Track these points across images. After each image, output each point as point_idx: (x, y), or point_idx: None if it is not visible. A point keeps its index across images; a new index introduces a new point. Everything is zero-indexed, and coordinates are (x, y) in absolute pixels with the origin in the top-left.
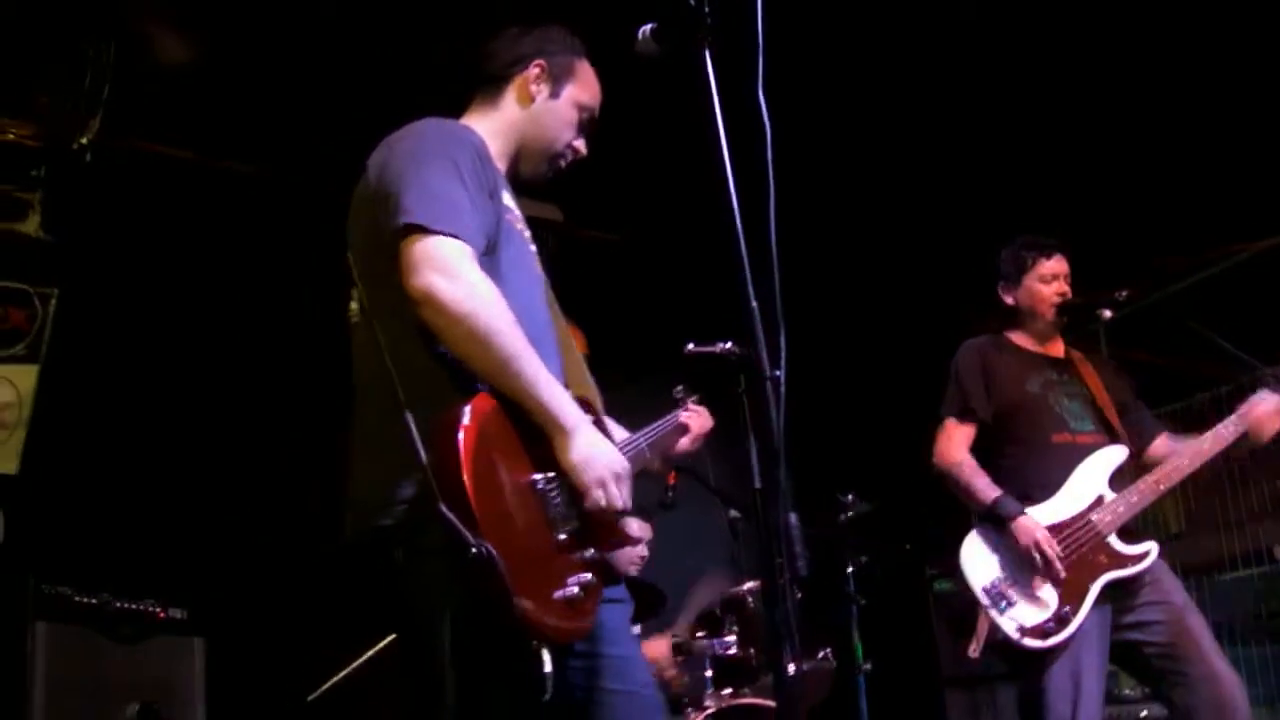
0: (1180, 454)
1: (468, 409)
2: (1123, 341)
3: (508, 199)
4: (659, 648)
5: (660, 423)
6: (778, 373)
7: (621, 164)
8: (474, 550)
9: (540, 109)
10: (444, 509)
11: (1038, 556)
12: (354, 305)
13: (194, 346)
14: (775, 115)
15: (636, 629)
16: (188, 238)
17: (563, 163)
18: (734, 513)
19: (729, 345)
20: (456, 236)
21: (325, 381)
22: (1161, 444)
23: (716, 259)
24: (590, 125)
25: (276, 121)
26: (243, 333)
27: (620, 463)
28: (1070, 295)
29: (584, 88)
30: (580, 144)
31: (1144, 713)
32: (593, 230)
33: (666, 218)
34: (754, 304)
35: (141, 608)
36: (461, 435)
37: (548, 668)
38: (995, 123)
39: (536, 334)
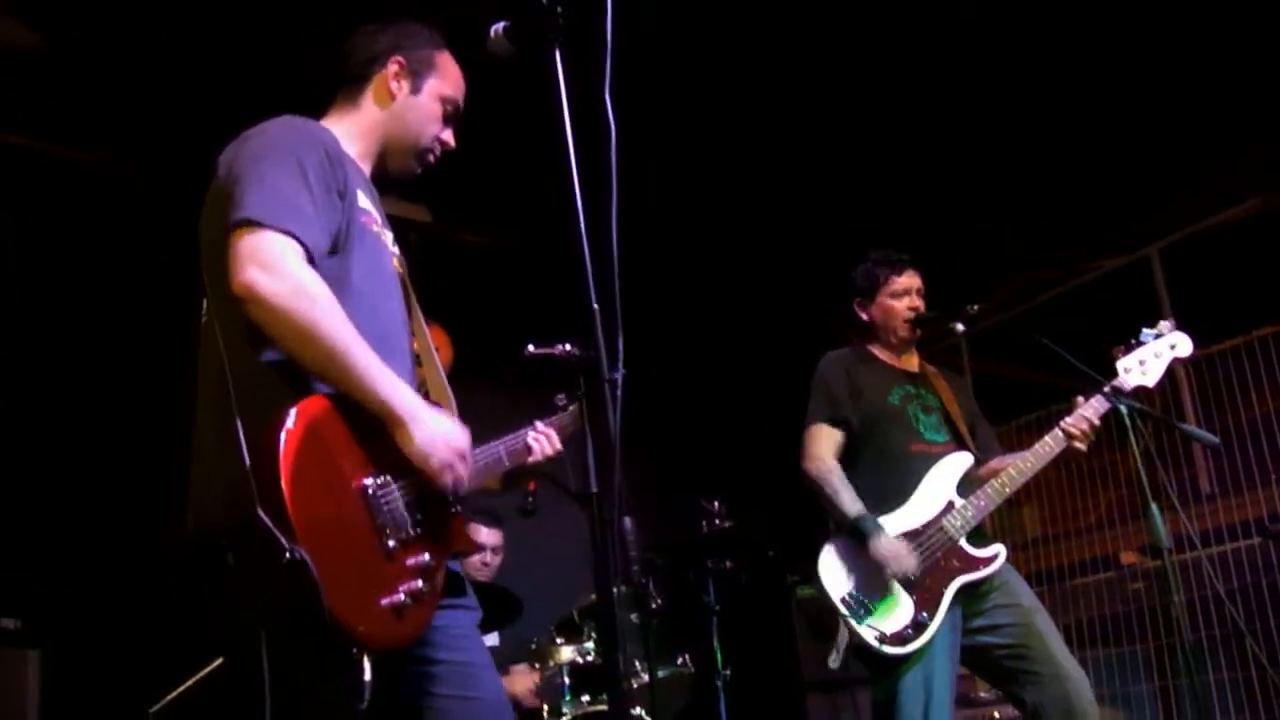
0: (1024, 457)
1: (294, 411)
2: (984, 355)
3: (364, 201)
4: (523, 682)
5: (513, 436)
6: (616, 374)
7: (492, 164)
8: (287, 556)
9: (402, 106)
10: (260, 514)
11: (891, 571)
12: (205, 305)
13: (30, 345)
14: (625, 118)
15: (494, 638)
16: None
17: (431, 157)
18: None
19: (568, 347)
20: (289, 233)
21: (166, 384)
22: (995, 463)
23: (563, 260)
24: (455, 116)
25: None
26: (81, 333)
27: (463, 441)
28: (922, 309)
29: (445, 80)
30: (447, 136)
31: (996, 714)
32: (462, 232)
33: (534, 219)
34: (595, 305)
35: None
36: (283, 438)
37: (367, 675)
38: (850, 132)
39: (382, 335)
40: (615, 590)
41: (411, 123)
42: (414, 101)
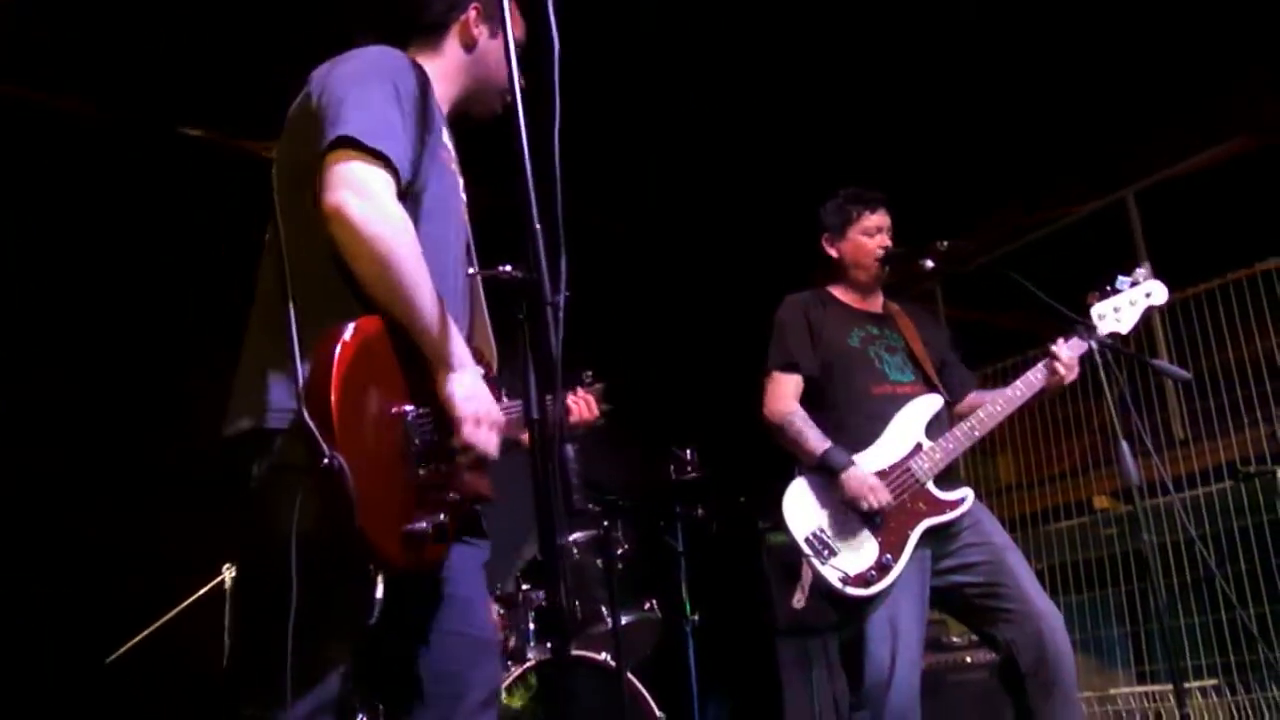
0: (994, 400)
1: (352, 325)
2: (958, 301)
3: (446, 137)
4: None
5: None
6: (559, 298)
7: None
8: (326, 460)
9: (484, 49)
10: (305, 416)
11: (867, 504)
12: (273, 225)
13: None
14: (572, 32)
15: None
16: None
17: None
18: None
19: (508, 268)
20: (384, 155)
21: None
22: (973, 398)
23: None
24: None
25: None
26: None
27: (495, 412)
28: (892, 248)
29: (515, 22)
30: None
31: (968, 659)
32: None
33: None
34: (537, 225)
35: None
36: (339, 349)
37: (379, 593)
38: (826, 71)
39: (445, 270)
40: (557, 517)
41: (494, 64)
42: (495, 44)
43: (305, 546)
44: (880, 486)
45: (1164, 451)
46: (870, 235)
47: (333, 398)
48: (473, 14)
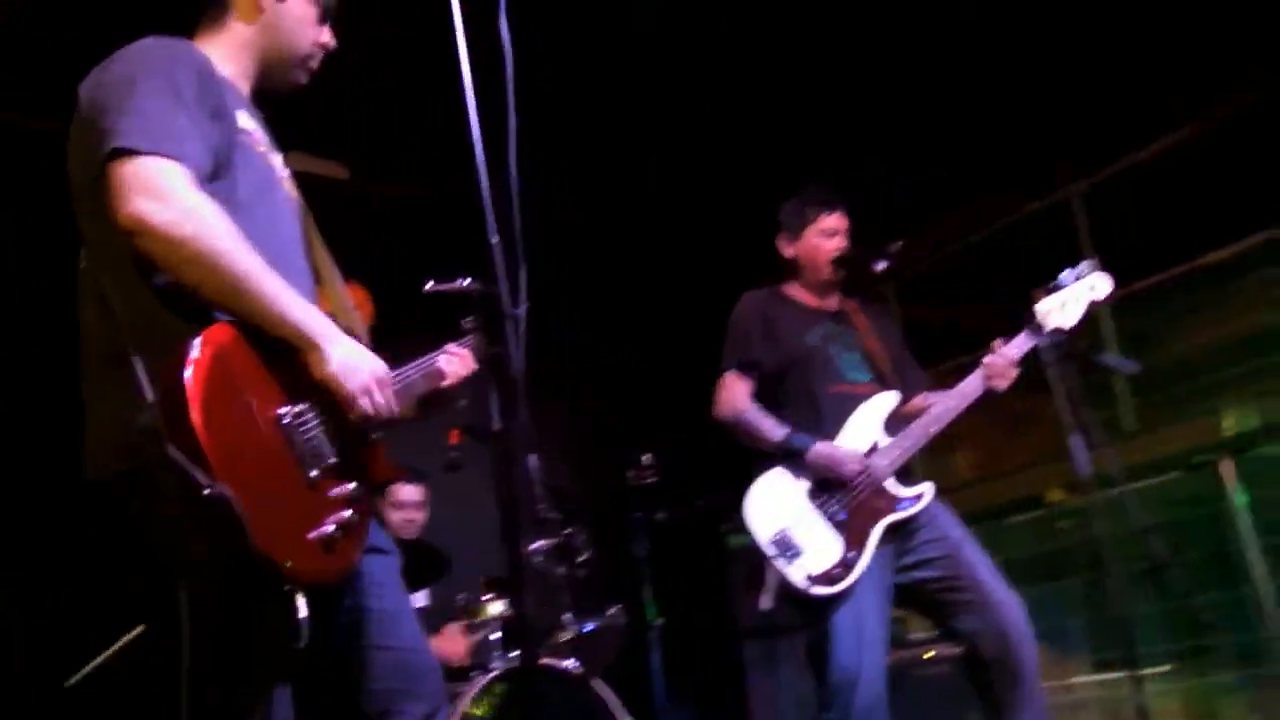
0: (947, 397)
1: (198, 341)
2: (911, 299)
3: (245, 120)
4: (455, 645)
5: (425, 359)
6: (518, 310)
7: (409, 113)
8: (206, 492)
9: (272, 16)
10: (172, 450)
11: (845, 471)
12: (84, 252)
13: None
14: (527, 45)
15: (423, 596)
16: None
17: (314, 64)
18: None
19: (468, 282)
20: (169, 156)
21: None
22: (920, 400)
23: (467, 198)
24: (330, 14)
25: None
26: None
27: (381, 368)
28: (848, 249)
29: None
30: (326, 37)
31: (930, 653)
32: (382, 183)
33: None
34: (495, 239)
35: None
36: (190, 370)
37: (303, 613)
38: (773, 73)
39: (281, 256)
40: (522, 528)
41: (286, 31)
42: (284, 9)
43: (208, 583)
44: (850, 454)
45: (1114, 444)
46: (827, 236)
47: (197, 424)
48: None
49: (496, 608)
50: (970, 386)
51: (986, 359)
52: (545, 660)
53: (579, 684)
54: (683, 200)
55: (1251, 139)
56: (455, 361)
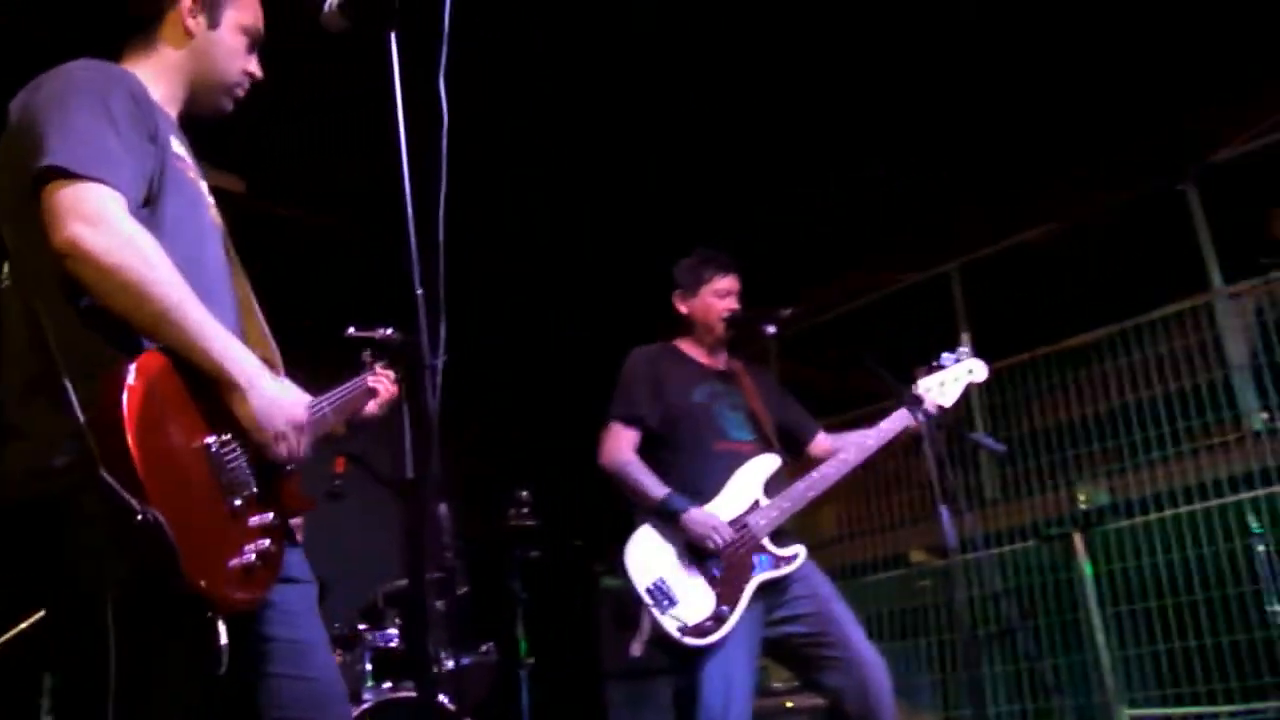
0: (829, 464)
1: (133, 367)
2: (792, 358)
3: (177, 146)
4: None
5: (346, 386)
6: (436, 361)
7: (311, 137)
8: (140, 518)
9: (202, 43)
10: (105, 475)
11: (712, 542)
12: (5, 268)
13: None
14: (457, 106)
15: None
16: None
17: (240, 91)
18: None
19: (389, 331)
20: (104, 182)
21: None
22: (821, 441)
23: (388, 243)
24: (258, 45)
25: None
26: None
27: (299, 411)
28: (739, 311)
29: (243, 8)
30: (254, 67)
31: (790, 704)
32: (278, 204)
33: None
34: (420, 290)
35: None
36: (126, 396)
37: (223, 640)
38: (671, 138)
39: (206, 287)
40: (427, 577)
41: (216, 59)
42: (214, 36)
43: (133, 607)
44: (723, 525)
45: (975, 511)
46: (720, 297)
47: (133, 450)
48: (186, 3)
49: (370, 638)
50: (861, 450)
51: (884, 424)
52: (414, 694)
53: (449, 718)
54: (572, 246)
55: (1113, 239)
56: (384, 381)
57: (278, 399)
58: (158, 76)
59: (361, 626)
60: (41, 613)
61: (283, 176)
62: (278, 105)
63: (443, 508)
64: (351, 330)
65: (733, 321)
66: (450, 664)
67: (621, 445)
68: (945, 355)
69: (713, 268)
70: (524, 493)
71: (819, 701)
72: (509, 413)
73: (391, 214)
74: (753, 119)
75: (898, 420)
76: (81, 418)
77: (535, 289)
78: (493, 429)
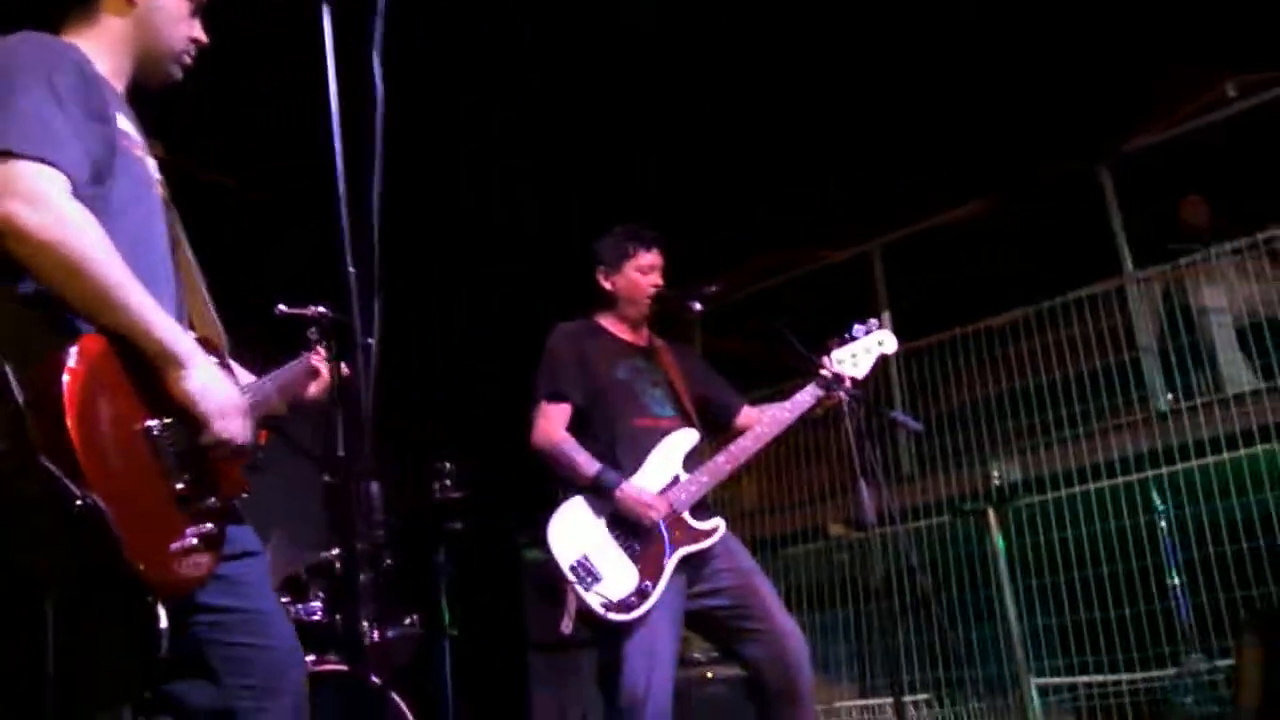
0: (746, 436)
1: (74, 350)
2: (715, 332)
3: (124, 123)
4: None
5: (289, 366)
6: (370, 340)
7: (237, 103)
8: (80, 503)
9: (145, 10)
10: (44, 460)
11: (648, 518)
12: None
13: None
14: (392, 82)
15: None
16: None
17: (188, 59)
18: (328, 477)
19: (321, 309)
20: (45, 161)
21: None
22: (746, 414)
23: (320, 220)
24: (200, 9)
25: None
26: None
27: (238, 398)
28: (663, 287)
29: None
30: (198, 32)
31: (710, 674)
32: (208, 171)
33: (283, 167)
34: (351, 269)
35: None
36: (66, 379)
37: (164, 623)
38: (601, 116)
39: (152, 268)
40: (357, 553)
41: (161, 26)
42: (157, 3)
43: (71, 593)
44: (658, 499)
45: (893, 485)
46: (644, 273)
47: (72, 435)
48: None
49: (292, 611)
50: (775, 421)
51: (798, 396)
52: (338, 665)
53: (374, 692)
54: (499, 215)
55: (1030, 223)
56: (323, 365)
57: (216, 381)
58: (102, 49)
59: (284, 599)
60: None
61: (217, 147)
62: (213, 75)
63: (374, 485)
64: (281, 307)
65: (659, 298)
66: (375, 636)
67: (553, 424)
68: (856, 327)
69: (636, 243)
70: (448, 465)
71: (738, 671)
72: (433, 384)
73: (318, 188)
74: (677, 97)
75: (810, 392)
76: (20, 400)
77: (459, 260)
78: (417, 401)
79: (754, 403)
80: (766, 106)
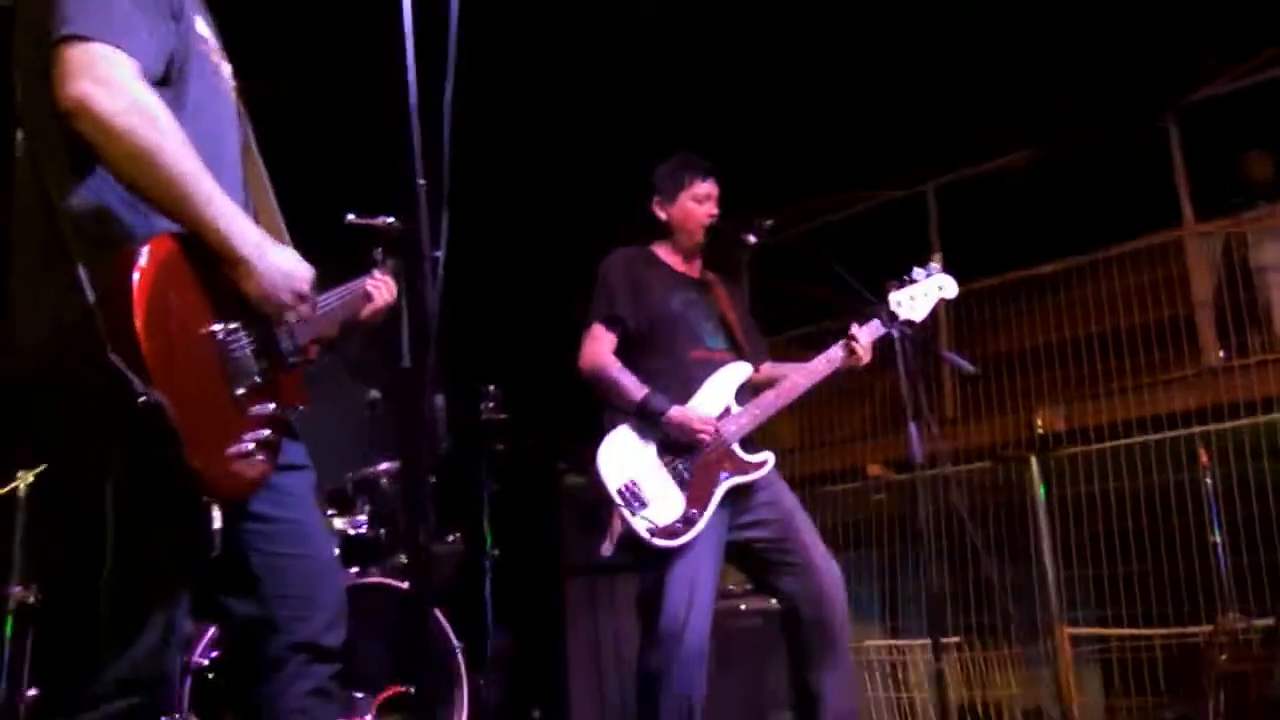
0: (798, 371)
1: (145, 250)
2: (763, 269)
3: (201, 26)
4: None
5: (347, 286)
6: (438, 253)
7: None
8: (143, 399)
9: None
10: (113, 355)
11: (703, 437)
12: (19, 136)
13: None
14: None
15: None
16: None
17: None
18: (373, 393)
19: (390, 220)
20: (119, 47)
21: None
22: (767, 369)
23: (386, 130)
24: None
25: None
26: None
27: (303, 274)
28: (718, 217)
29: None
30: None
31: (742, 605)
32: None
33: (339, 73)
34: (421, 181)
35: None
36: (136, 277)
37: (217, 524)
38: (666, 50)
39: (222, 169)
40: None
41: None
42: None
43: (132, 487)
44: (705, 419)
45: (936, 429)
46: (700, 202)
47: (140, 332)
48: None
49: (338, 524)
50: (823, 365)
51: (847, 342)
52: (382, 579)
53: (418, 607)
54: (549, 149)
55: (1090, 169)
56: (382, 288)
57: (283, 265)
58: None
59: (330, 512)
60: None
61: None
62: None
63: (439, 398)
64: (351, 217)
65: (713, 229)
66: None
67: (603, 347)
68: (916, 270)
69: (693, 172)
70: (493, 387)
71: (770, 604)
72: (484, 306)
73: (394, 103)
74: (742, 32)
75: (870, 329)
76: (91, 297)
77: (512, 182)
78: (466, 322)
79: (799, 340)
80: (827, 43)
